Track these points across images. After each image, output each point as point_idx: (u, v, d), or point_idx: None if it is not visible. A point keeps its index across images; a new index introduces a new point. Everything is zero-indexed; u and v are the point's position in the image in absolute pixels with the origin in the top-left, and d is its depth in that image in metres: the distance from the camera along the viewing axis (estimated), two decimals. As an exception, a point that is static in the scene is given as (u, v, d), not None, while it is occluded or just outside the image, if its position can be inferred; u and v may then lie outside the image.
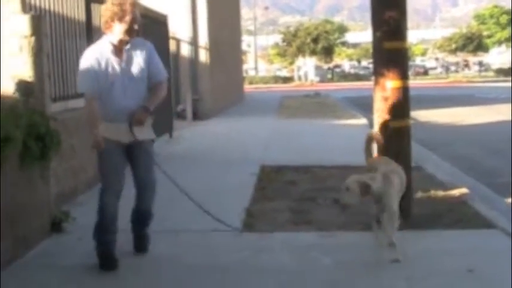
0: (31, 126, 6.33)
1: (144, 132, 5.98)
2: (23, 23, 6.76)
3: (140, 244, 6.45)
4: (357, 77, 72.59)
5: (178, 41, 22.47)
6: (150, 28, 14.85)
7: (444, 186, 9.45)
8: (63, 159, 8.33)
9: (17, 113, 6.27)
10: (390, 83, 7.16)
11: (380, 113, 7.28)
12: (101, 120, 5.88)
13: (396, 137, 7.23)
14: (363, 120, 21.39)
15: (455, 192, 8.98)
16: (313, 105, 29.22)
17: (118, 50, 5.88)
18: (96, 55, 5.84)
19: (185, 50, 23.47)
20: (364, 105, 29.32)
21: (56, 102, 8.56)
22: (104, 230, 6.17)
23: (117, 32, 5.83)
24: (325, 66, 78.27)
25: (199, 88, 23.40)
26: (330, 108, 27.35)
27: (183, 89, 22.63)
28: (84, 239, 6.82)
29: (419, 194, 8.50)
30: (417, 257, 6.14)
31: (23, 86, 6.74)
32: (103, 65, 5.81)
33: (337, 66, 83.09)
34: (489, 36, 77.46)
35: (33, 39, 6.80)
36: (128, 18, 5.77)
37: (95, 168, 9.56)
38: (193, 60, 23.63)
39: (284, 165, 11.16)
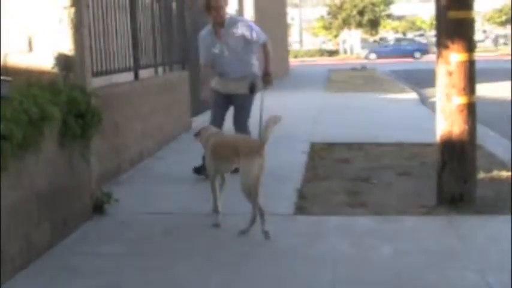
0: (71, 103, 5.95)
1: (237, 88, 8.11)
2: (62, -7, 6.35)
3: None
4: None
5: (223, 13, 22.02)
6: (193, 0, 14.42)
7: (506, 166, 8.89)
8: (106, 137, 7.95)
9: (56, 89, 5.89)
10: (455, 56, 6.60)
11: (443, 88, 6.73)
12: (215, 76, 8.29)
13: (461, 114, 6.70)
14: (413, 95, 20.79)
15: (520, 172, 8.43)
16: (361, 78, 28.58)
17: (217, 28, 7.97)
18: (205, 34, 8.13)
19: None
20: (411, 79, 28.70)
21: (98, 77, 8.18)
22: None
23: (210, 17, 7.99)
24: (371, 39, 77.10)
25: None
26: (378, 82, 26.72)
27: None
28: (126, 222, 6.45)
29: (481, 175, 7.95)
30: (487, 246, 5.64)
31: (62, 60, 6.35)
32: (209, 40, 8.03)
33: (382, 39, 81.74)
34: (540, 8, 75.36)
35: (73, 10, 6.37)
36: (211, 9, 7.83)
37: (139, 145, 9.29)
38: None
39: (335, 143, 10.68)
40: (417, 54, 60.18)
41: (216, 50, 8.02)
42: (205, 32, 8.18)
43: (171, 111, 11.03)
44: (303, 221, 6.48)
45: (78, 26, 6.44)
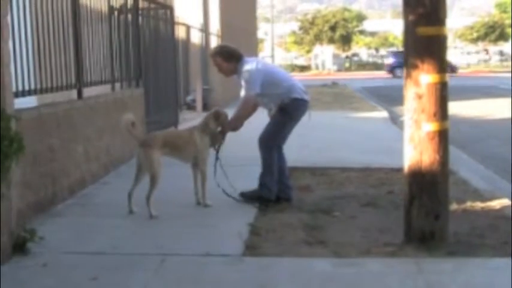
0: (-19, 129, 5.12)
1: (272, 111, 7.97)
2: (-22, 2, 5.54)
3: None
4: (375, 66, 71.30)
5: (188, 28, 21.26)
6: (153, 13, 13.68)
7: (481, 195, 8.19)
8: (38, 162, 7.14)
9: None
10: (425, 77, 5.86)
11: (412, 114, 5.97)
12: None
13: (432, 143, 5.95)
14: (384, 113, 20.14)
15: (495, 203, 7.72)
16: (330, 95, 27.95)
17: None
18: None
19: (196, 37, 22.26)
20: (383, 96, 28.12)
21: (32, 96, 7.40)
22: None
23: None
24: (343, 55, 76.79)
25: (210, 77, 22.18)
26: (347, 99, 26.09)
27: (193, 79, 21.43)
28: (50, 265, 5.60)
29: (454, 206, 7.24)
30: (460, 298, 4.89)
31: (-23, 79, 5.52)
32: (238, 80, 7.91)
33: (354, 54, 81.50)
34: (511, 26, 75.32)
35: (-10, 21, 5.57)
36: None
37: (80, 170, 8.46)
38: (204, 47, 22.43)
39: (297, 167, 9.87)
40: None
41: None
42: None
43: (121, 132, 10.17)
44: (252, 264, 5.64)
45: (-3, 40, 5.62)
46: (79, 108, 8.62)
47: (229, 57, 7.82)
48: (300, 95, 7.91)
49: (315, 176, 9.60)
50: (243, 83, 7.72)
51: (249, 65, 7.76)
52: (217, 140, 7.85)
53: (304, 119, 8.11)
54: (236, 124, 7.84)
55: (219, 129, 7.81)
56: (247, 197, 7.82)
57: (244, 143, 8.03)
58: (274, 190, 7.86)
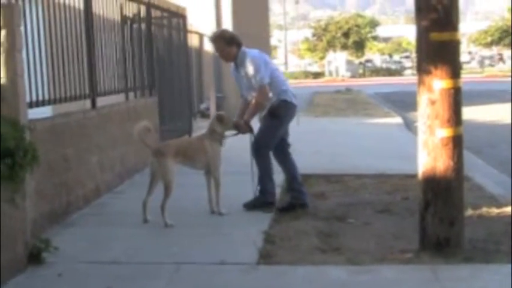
0: (-4, 140, 5.13)
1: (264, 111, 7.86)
2: (-9, 13, 5.56)
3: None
4: (389, 72, 71.06)
5: (201, 36, 21.28)
6: (166, 21, 13.70)
7: (497, 200, 8.15)
8: (53, 172, 7.16)
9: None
10: (439, 83, 5.84)
11: (426, 120, 5.95)
12: None
13: (446, 148, 5.93)
14: (398, 119, 20.08)
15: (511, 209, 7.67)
16: (344, 102, 27.89)
17: (234, 63, 7.96)
18: (232, 67, 8.06)
19: (209, 45, 22.26)
20: (397, 102, 28.01)
21: (45, 106, 7.43)
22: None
23: None
24: (357, 61, 76.60)
25: (223, 85, 22.19)
26: (361, 105, 26.01)
27: (206, 87, 21.45)
28: (65, 274, 5.61)
29: (469, 212, 7.21)
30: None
31: (-9, 89, 5.54)
32: (235, 74, 8.03)
33: (368, 61, 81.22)
34: (526, 29, 74.86)
35: (4, 32, 5.59)
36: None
37: (95, 180, 8.48)
38: (218, 55, 22.42)
39: (311, 174, 9.85)
40: None
41: (241, 83, 8.00)
42: (232, 66, 8.10)
43: (135, 141, 10.19)
44: (266, 272, 5.64)
45: (11, 50, 5.64)
46: (93, 117, 8.63)
47: (231, 42, 7.81)
48: (290, 99, 7.93)
49: (330, 183, 9.58)
50: (252, 72, 7.69)
51: (256, 55, 7.84)
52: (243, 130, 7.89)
53: (293, 124, 8.15)
54: (254, 114, 7.88)
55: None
56: (251, 207, 7.79)
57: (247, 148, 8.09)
58: (275, 192, 7.96)
